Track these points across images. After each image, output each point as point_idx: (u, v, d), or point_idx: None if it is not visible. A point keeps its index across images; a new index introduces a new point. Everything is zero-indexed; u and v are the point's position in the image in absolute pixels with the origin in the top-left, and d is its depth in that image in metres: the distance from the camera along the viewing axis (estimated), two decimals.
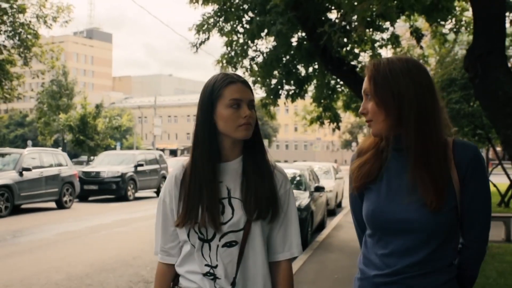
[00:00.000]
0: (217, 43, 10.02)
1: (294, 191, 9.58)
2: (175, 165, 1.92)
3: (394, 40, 9.79)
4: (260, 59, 9.82)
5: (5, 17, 16.76)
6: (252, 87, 7.63)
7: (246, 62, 9.87)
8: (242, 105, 1.73)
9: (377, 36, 9.90)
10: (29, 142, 49.60)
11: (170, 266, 1.87)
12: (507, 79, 4.50)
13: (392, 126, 1.69)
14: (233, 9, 9.12)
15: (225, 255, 1.73)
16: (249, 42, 9.47)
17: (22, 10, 16.74)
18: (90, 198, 17.51)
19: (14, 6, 16.60)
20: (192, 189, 1.75)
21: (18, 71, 17.92)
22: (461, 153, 1.68)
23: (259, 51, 9.72)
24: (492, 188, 17.39)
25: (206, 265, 1.74)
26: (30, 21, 16.94)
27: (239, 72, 9.99)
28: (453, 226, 1.69)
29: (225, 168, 1.78)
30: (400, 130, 1.69)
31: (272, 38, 9.15)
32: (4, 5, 16.68)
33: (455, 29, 9.45)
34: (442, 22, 8.49)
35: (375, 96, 1.69)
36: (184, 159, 1.89)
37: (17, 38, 16.93)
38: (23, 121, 68.48)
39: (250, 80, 10.22)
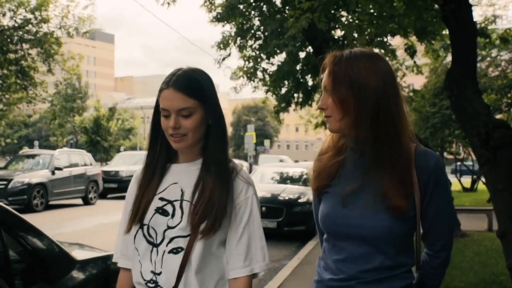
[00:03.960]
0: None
1: (302, 187, 10.93)
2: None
3: (391, 53, 11.09)
4: (273, 68, 11.13)
5: (29, 26, 17.95)
6: (265, 95, 9.07)
7: (260, 74, 11.19)
8: (170, 114, 1.62)
9: (375, 50, 11.19)
10: (36, 143, 50.77)
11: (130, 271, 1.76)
12: (475, 97, 5.71)
13: (351, 125, 1.61)
14: (249, 27, 10.46)
15: (169, 263, 1.62)
16: (263, 56, 10.80)
17: (45, 20, 17.95)
18: (109, 196, 18.78)
19: (38, 17, 17.83)
20: (145, 190, 1.69)
21: (41, 77, 19.12)
22: (423, 161, 1.62)
23: (272, 63, 11.05)
24: (482, 186, 18.69)
25: (151, 271, 1.64)
26: (53, 31, 18.17)
27: (254, 82, 11.32)
28: (410, 234, 1.65)
29: (182, 169, 1.71)
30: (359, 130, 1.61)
31: (283, 54, 10.47)
32: (29, 15, 17.92)
33: (445, 46, 10.72)
34: (433, 41, 9.78)
35: (334, 93, 1.59)
36: None
37: (40, 46, 18.14)
38: (15, 121, 69.23)
39: (263, 89, 11.55)
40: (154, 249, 1.64)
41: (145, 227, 1.65)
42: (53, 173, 14.34)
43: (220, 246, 1.68)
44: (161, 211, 1.65)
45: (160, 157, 1.71)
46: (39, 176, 13.92)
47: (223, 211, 1.62)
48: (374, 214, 1.58)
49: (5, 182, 13.10)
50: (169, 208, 1.65)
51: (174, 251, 1.61)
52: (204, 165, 1.68)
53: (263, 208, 9.89)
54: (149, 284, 1.64)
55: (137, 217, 1.66)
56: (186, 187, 1.67)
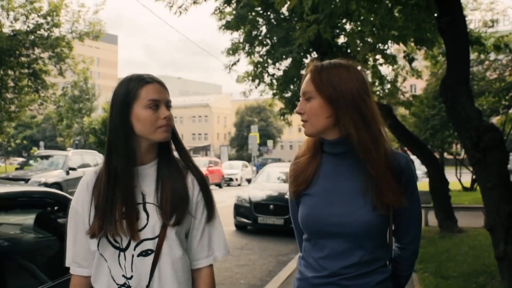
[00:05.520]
0: (218, 45, 11.77)
1: None
2: (87, 172, 1.83)
3: (392, 59, 11.61)
4: (280, 73, 11.68)
5: (41, 31, 18.42)
6: (272, 99, 9.70)
7: (267, 78, 11.74)
8: (160, 105, 1.67)
9: (377, 57, 11.70)
10: (41, 143, 51.33)
11: (84, 278, 1.76)
12: (468, 103, 6.15)
13: (331, 128, 1.71)
14: (257, 34, 11.01)
15: (140, 265, 1.64)
16: (269, 61, 11.35)
17: (57, 25, 18.45)
18: None
19: (50, 22, 18.33)
20: (108, 195, 1.65)
21: (52, 80, 19.65)
22: (394, 160, 1.71)
23: (278, 69, 11.61)
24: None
25: (123, 276, 1.65)
26: (64, 36, 18.68)
27: (261, 86, 11.89)
28: (386, 229, 1.75)
29: (140, 172, 1.70)
30: (338, 134, 1.71)
31: (289, 59, 11.02)
32: (41, 20, 18.43)
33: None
34: (430, 47, 10.29)
35: (318, 98, 1.69)
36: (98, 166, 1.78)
37: (51, 50, 18.64)
38: (29, 122, 69.76)
39: (270, 92, 12.10)
40: (121, 253, 1.65)
41: (110, 233, 1.64)
42: (67, 173, 14.92)
43: (184, 241, 1.74)
44: (125, 215, 1.64)
45: (123, 161, 1.65)
46: (55, 176, 14.49)
47: (188, 203, 1.71)
48: (355, 211, 1.67)
49: (22, 182, 13.65)
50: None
51: (144, 253, 1.64)
52: (161, 165, 1.74)
53: (271, 206, 10.47)
54: None
55: (103, 224, 1.63)
56: (146, 190, 1.69)
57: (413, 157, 12.68)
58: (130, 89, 1.66)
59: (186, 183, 1.73)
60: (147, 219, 1.65)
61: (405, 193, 1.71)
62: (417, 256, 1.88)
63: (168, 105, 1.70)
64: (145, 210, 1.66)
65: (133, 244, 1.64)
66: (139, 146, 1.70)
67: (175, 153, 1.81)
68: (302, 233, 1.85)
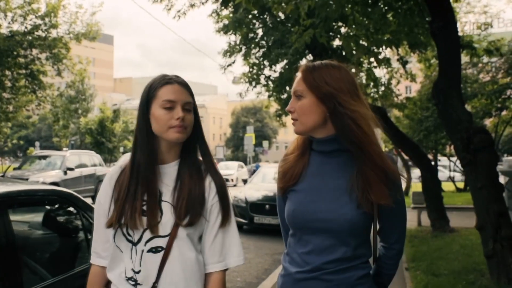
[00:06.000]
0: (213, 45, 11.97)
1: None
2: (114, 166, 1.87)
3: (386, 61, 11.79)
4: (276, 75, 11.84)
5: (39, 32, 18.49)
6: (268, 100, 9.85)
7: (263, 80, 11.89)
8: (175, 106, 1.68)
9: (372, 58, 11.87)
10: (37, 143, 51.31)
11: (101, 269, 1.81)
12: (459, 106, 6.29)
13: (318, 126, 1.74)
14: (253, 37, 11.17)
15: (149, 261, 1.67)
16: (266, 63, 11.51)
17: (55, 26, 18.53)
18: None
19: (48, 23, 18.41)
20: (130, 189, 1.70)
21: (50, 81, 19.73)
22: (382, 160, 1.72)
23: (274, 70, 11.76)
24: None
25: (131, 269, 1.69)
26: (62, 36, 18.77)
27: (257, 88, 12.05)
28: (369, 228, 1.77)
29: (161, 170, 1.73)
30: (327, 132, 1.75)
31: (285, 61, 11.19)
32: (39, 21, 18.52)
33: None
34: (425, 51, 10.49)
35: (309, 96, 1.73)
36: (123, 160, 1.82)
37: (49, 51, 18.72)
38: (26, 122, 69.72)
39: (266, 94, 12.24)
40: (134, 247, 1.68)
41: (125, 226, 1.68)
42: (65, 173, 15.01)
43: (197, 243, 1.74)
44: (142, 210, 1.68)
45: (146, 158, 1.71)
46: (53, 176, 14.57)
47: (203, 205, 1.72)
48: (340, 208, 1.70)
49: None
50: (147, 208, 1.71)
51: (154, 250, 1.66)
52: (182, 165, 1.76)
53: (267, 206, 10.65)
54: (130, 282, 1.69)
55: (119, 216, 1.68)
56: (164, 188, 1.72)
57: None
58: (151, 88, 1.73)
59: (203, 185, 1.74)
60: (161, 217, 1.67)
61: (391, 193, 1.73)
62: (401, 256, 1.91)
63: (185, 107, 1.71)
64: (160, 207, 1.69)
65: (144, 239, 1.67)
66: (160, 145, 1.74)
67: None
68: (288, 229, 1.88)
